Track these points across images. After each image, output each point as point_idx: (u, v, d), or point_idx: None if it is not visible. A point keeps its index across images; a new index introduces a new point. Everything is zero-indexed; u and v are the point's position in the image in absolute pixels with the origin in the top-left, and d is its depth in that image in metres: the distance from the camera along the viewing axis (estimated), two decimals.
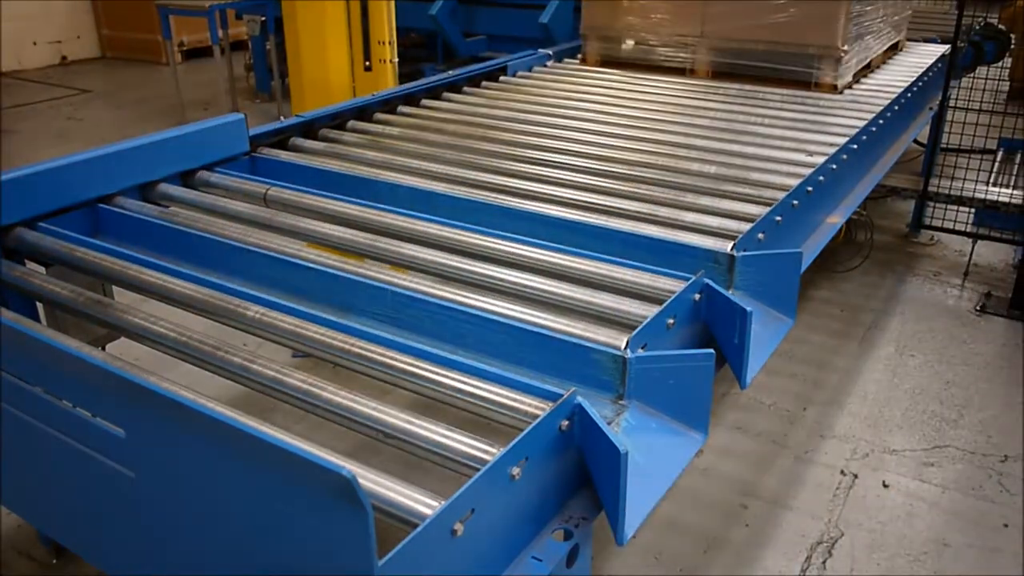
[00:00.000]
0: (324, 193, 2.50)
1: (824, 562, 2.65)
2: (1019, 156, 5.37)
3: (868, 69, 4.30)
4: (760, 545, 2.72)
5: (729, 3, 3.96)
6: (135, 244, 2.25)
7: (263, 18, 7.30)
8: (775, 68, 3.95)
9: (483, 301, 1.88)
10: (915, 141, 4.85)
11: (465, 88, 3.95)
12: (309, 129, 3.17)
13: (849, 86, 3.98)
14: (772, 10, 3.87)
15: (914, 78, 4.18)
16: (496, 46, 6.05)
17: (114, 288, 2.23)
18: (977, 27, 5.30)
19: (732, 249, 2.07)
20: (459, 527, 1.18)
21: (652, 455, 1.52)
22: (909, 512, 2.87)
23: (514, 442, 1.30)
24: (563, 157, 2.92)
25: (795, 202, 2.42)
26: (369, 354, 1.68)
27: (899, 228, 5.25)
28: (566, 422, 1.41)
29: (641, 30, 4.23)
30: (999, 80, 5.28)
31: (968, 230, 4.80)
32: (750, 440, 3.24)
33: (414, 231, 2.27)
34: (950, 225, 4.86)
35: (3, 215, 2.18)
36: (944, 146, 5.24)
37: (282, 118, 3.14)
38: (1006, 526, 2.81)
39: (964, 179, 4.77)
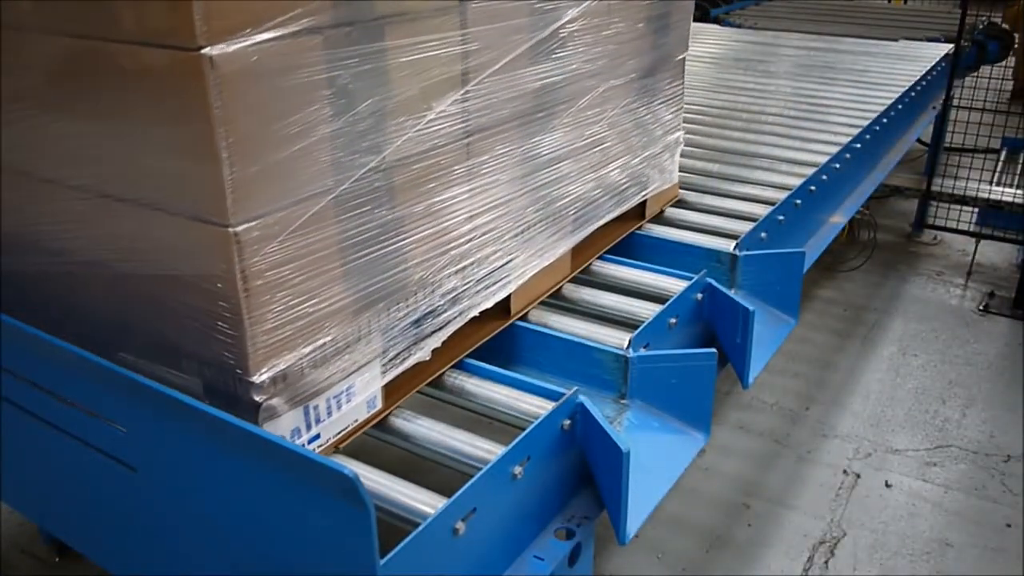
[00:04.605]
0: None
1: (826, 562, 2.65)
2: (1022, 155, 5.35)
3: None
4: (762, 544, 2.72)
5: None
6: None
7: None
8: None
9: None
10: (918, 140, 4.84)
11: None
12: None
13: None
14: None
15: None
16: None
17: None
18: (980, 26, 5.29)
19: (735, 248, 2.06)
20: (461, 526, 1.18)
21: (654, 454, 1.52)
22: (912, 512, 2.87)
23: (516, 441, 1.30)
24: None
25: (798, 202, 2.42)
26: None
27: (902, 227, 5.24)
28: (568, 421, 1.41)
29: None
30: (1002, 79, 5.28)
31: (971, 230, 4.79)
32: (752, 439, 3.24)
33: None
34: (953, 224, 4.85)
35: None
36: (947, 145, 5.23)
37: None
38: (1009, 526, 2.81)
39: (967, 178, 4.76)
